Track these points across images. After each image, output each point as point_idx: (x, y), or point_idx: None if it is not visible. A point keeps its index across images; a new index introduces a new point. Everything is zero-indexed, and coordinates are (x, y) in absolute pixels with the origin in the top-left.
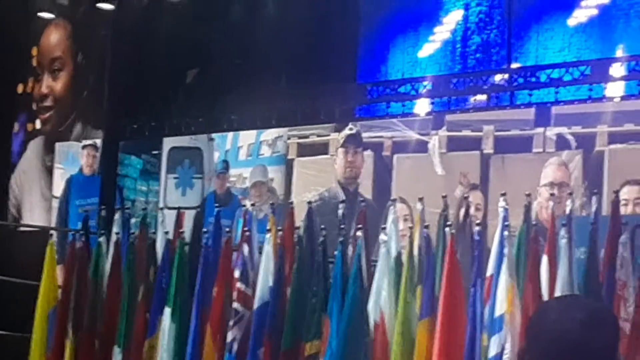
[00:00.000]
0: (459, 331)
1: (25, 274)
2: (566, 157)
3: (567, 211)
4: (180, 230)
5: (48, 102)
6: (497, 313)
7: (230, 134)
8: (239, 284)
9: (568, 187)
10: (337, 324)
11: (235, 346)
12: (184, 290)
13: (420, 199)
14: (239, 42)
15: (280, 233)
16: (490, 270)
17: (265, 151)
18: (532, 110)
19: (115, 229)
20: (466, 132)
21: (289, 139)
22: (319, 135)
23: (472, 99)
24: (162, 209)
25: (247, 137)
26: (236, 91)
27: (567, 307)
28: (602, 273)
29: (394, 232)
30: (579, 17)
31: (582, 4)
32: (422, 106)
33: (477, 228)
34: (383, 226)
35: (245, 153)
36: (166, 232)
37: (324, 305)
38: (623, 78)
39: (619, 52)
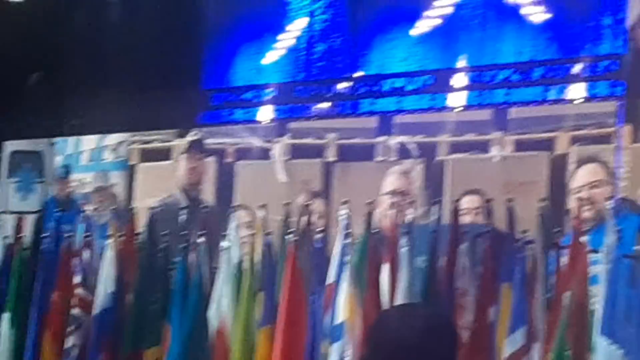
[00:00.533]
0: (300, 339)
1: None
2: (408, 166)
3: (408, 220)
4: (20, 235)
5: None
6: (338, 321)
7: (73, 139)
8: (79, 290)
9: (409, 196)
10: (178, 331)
11: (74, 352)
12: (24, 295)
13: (263, 206)
14: (83, 45)
15: (121, 239)
16: (331, 278)
17: (108, 156)
18: (375, 119)
19: None
20: (309, 140)
21: (131, 144)
22: (162, 141)
23: (315, 107)
24: (2, 213)
25: (89, 141)
26: (79, 95)
27: (406, 316)
28: (442, 281)
29: (236, 239)
30: (422, 27)
31: (426, 14)
32: (266, 113)
33: (318, 236)
34: (225, 233)
35: (87, 158)
36: (5, 237)
37: (164, 312)
38: (465, 88)
39: (461, 63)
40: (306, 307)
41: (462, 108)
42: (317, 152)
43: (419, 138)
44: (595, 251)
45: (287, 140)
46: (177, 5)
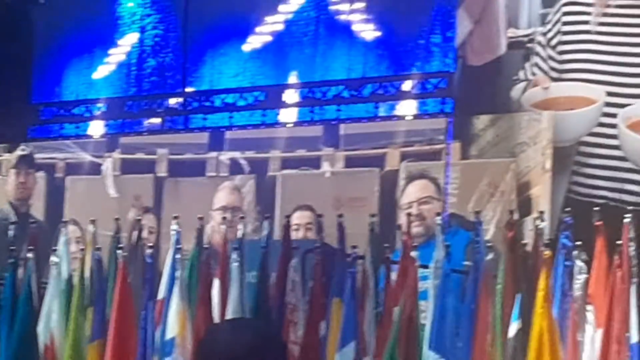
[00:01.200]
0: (130, 353)
1: None
2: (239, 182)
3: (239, 235)
4: None
5: None
6: (168, 336)
7: None
8: None
9: (240, 211)
10: (5, 347)
11: None
12: None
13: (93, 221)
14: None
15: None
16: (162, 293)
17: None
18: (206, 134)
19: None
20: (140, 155)
21: None
22: None
23: (146, 122)
24: None
25: None
26: None
27: (236, 330)
28: (272, 297)
29: (65, 254)
30: (253, 43)
31: (257, 30)
32: (97, 128)
33: (149, 251)
34: (54, 248)
35: None
36: None
37: None
38: (296, 104)
39: (293, 79)
40: (136, 322)
41: (293, 124)
42: (148, 167)
43: (251, 154)
44: (424, 266)
45: (117, 155)
46: (4, 17)
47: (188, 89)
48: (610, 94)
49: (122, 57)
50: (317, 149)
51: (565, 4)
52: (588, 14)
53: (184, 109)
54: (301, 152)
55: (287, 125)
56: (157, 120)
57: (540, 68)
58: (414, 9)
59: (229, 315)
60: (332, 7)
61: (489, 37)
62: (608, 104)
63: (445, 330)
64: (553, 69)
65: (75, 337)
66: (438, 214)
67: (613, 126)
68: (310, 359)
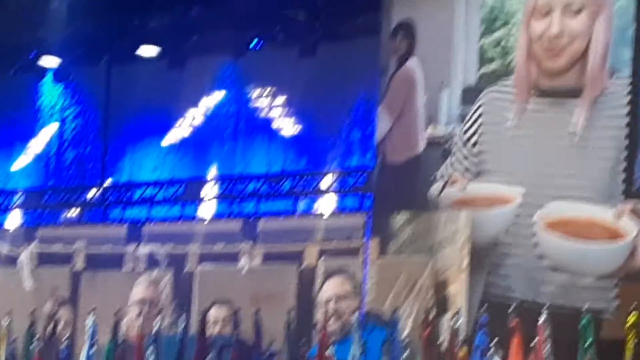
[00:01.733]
0: None
1: None
2: (157, 275)
3: (155, 329)
4: None
5: None
6: None
7: None
8: None
9: (157, 305)
10: None
11: None
12: None
13: (8, 314)
14: None
15: None
16: None
17: None
18: (125, 227)
19: None
20: (58, 247)
21: None
22: None
23: (64, 214)
24: None
25: None
26: None
27: None
28: None
29: None
30: (173, 137)
31: (177, 124)
32: (14, 219)
33: (64, 344)
34: None
35: None
36: None
37: None
38: (215, 199)
39: (212, 173)
40: None
41: (212, 218)
42: (65, 259)
43: (169, 247)
44: None
45: (34, 247)
46: None
47: (107, 182)
48: (527, 193)
49: (42, 148)
50: (235, 243)
51: (484, 104)
52: (506, 114)
53: (103, 202)
54: (219, 247)
55: (206, 220)
56: (75, 212)
57: (458, 167)
58: (334, 106)
59: None
60: (253, 103)
61: (408, 135)
62: (525, 204)
63: None
64: (471, 167)
65: None
66: (355, 311)
67: (530, 226)
68: None
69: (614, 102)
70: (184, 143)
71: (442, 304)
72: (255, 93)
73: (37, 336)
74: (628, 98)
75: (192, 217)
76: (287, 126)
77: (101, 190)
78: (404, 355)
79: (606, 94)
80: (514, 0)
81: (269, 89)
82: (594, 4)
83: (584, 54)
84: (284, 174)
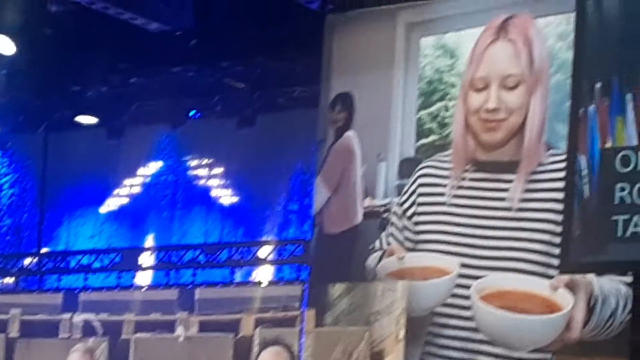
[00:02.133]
0: None
1: None
2: (92, 344)
3: None
4: None
5: None
6: None
7: None
8: None
9: None
10: None
11: None
12: None
13: None
14: None
15: None
16: None
17: None
18: (60, 295)
19: None
20: None
21: None
22: None
23: (0, 281)
24: None
25: None
26: None
27: None
28: None
29: None
30: (111, 205)
31: (115, 192)
32: None
33: None
34: None
35: None
36: None
37: None
38: (152, 267)
39: (149, 242)
40: None
41: (148, 287)
42: (0, 326)
43: (105, 316)
44: None
45: None
46: None
47: (43, 250)
48: (464, 265)
49: None
50: (171, 312)
51: (421, 176)
52: (443, 186)
53: (39, 269)
54: (156, 316)
55: (143, 288)
56: (10, 280)
57: (395, 238)
58: (272, 177)
59: None
60: (191, 172)
61: (345, 206)
62: (462, 276)
63: None
64: (408, 239)
65: None
66: None
67: (466, 297)
68: None
69: (550, 176)
70: (121, 211)
71: None
72: (193, 162)
73: None
74: (563, 173)
75: (129, 286)
76: (225, 196)
77: (37, 258)
78: None
79: (542, 169)
80: (451, 74)
81: (207, 158)
82: (531, 79)
83: (520, 128)
84: (221, 244)
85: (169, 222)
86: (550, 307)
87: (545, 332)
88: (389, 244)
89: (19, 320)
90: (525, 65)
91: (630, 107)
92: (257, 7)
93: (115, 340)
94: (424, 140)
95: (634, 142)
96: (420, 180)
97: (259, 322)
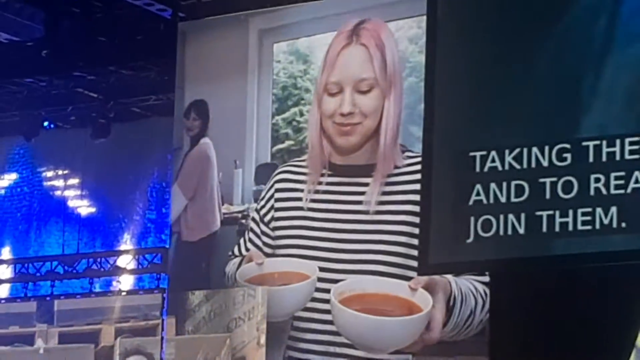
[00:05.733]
0: None
1: None
2: None
3: None
4: None
5: None
6: None
7: None
8: None
9: None
10: None
11: None
12: None
13: None
14: None
15: None
16: None
17: None
18: None
19: None
20: None
21: None
22: None
23: None
24: None
25: None
26: None
27: None
28: None
29: None
30: None
31: None
32: None
33: None
34: None
35: None
36: None
37: None
38: (9, 280)
39: (5, 254)
40: None
41: (6, 300)
42: None
43: None
44: None
45: None
46: None
47: None
48: (323, 269)
49: None
50: (30, 325)
51: (278, 181)
52: (300, 190)
53: None
54: (14, 329)
55: (0, 301)
56: None
57: (254, 244)
58: (129, 186)
59: None
60: (47, 183)
61: (203, 213)
62: (321, 279)
63: None
64: (267, 244)
65: None
66: None
67: (326, 301)
68: None
69: (407, 178)
70: None
71: None
72: (49, 173)
73: None
74: (420, 175)
75: None
76: (82, 206)
77: None
78: None
79: (398, 171)
80: (305, 79)
81: (62, 169)
82: (384, 83)
83: (375, 132)
84: (79, 254)
85: (26, 234)
86: (410, 309)
87: (405, 333)
88: (247, 249)
89: None
90: (379, 69)
91: None
92: (109, 16)
93: None
94: (279, 146)
95: None
96: (277, 186)
97: (119, 332)
